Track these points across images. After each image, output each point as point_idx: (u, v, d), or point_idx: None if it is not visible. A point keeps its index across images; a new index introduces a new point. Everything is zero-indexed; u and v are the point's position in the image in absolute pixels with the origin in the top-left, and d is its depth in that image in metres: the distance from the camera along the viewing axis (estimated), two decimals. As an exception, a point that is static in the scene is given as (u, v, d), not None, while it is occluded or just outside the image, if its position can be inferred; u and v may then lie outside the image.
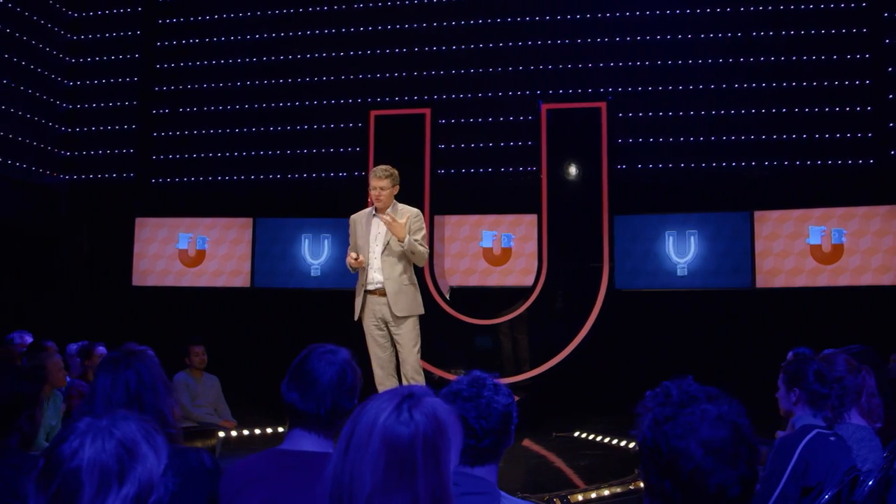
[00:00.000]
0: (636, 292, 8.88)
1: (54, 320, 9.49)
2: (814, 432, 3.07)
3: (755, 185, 8.92)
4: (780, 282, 8.52)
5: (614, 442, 6.35)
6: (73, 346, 6.88)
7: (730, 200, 8.78)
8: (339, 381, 2.33)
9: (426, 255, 5.91)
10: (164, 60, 10.78)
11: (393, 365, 5.92)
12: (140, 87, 10.77)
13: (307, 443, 2.31)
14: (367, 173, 8.93)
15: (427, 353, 8.62)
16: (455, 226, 9.45)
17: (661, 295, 8.87)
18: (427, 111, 9.05)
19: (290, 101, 10.31)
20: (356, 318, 5.92)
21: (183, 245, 10.12)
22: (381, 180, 5.71)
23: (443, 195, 9.11)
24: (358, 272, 5.89)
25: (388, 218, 5.59)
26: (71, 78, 10.92)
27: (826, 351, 4.34)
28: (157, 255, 10.16)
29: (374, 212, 5.85)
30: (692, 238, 8.78)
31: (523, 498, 4.02)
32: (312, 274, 9.81)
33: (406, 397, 1.44)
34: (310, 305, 9.53)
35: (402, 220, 5.65)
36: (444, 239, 9.40)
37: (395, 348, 5.89)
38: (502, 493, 2.20)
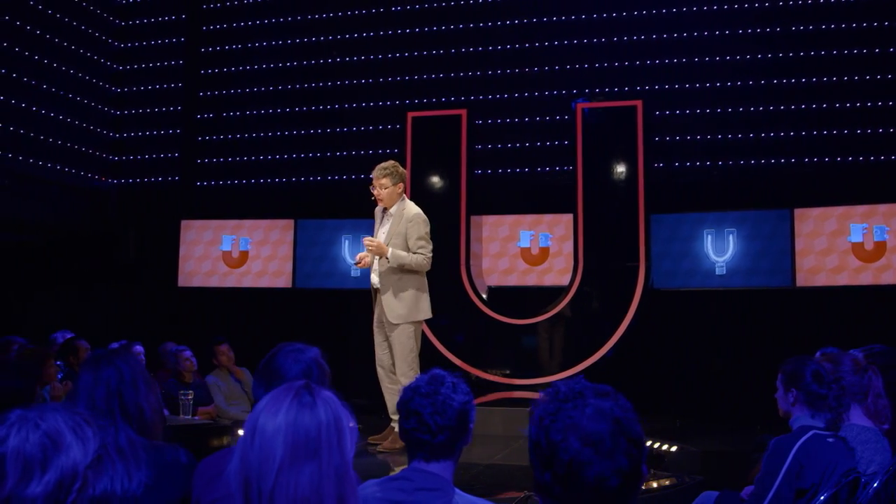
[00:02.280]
0: (674, 292, 8.81)
1: (103, 320, 9.78)
2: (810, 433, 3.05)
3: (795, 182, 8.77)
4: (820, 280, 8.37)
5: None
6: (114, 345, 7.09)
7: (769, 198, 8.65)
8: (304, 377, 2.41)
9: (422, 262, 5.83)
10: (208, 66, 11.02)
11: (390, 365, 5.99)
12: (185, 93, 11.03)
13: None
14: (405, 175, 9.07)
15: (464, 353, 8.71)
16: (493, 226, 9.48)
17: (700, 294, 8.79)
18: (463, 112, 9.08)
19: (329, 104, 10.46)
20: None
21: (226, 247, 10.33)
22: (380, 178, 5.73)
23: (480, 195, 9.15)
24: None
25: (368, 240, 5.63)
26: (119, 85, 11.23)
27: (851, 351, 4.30)
28: (202, 256, 10.38)
29: (383, 211, 5.90)
30: (731, 236, 8.68)
31: (501, 496, 4.04)
32: (352, 274, 9.93)
33: (304, 386, 1.53)
34: (349, 306, 9.67)
35: (401, 225, 5.69)
36: (483, 239, 9.43)
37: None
38: (456, 489, 2.25)
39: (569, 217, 8.88)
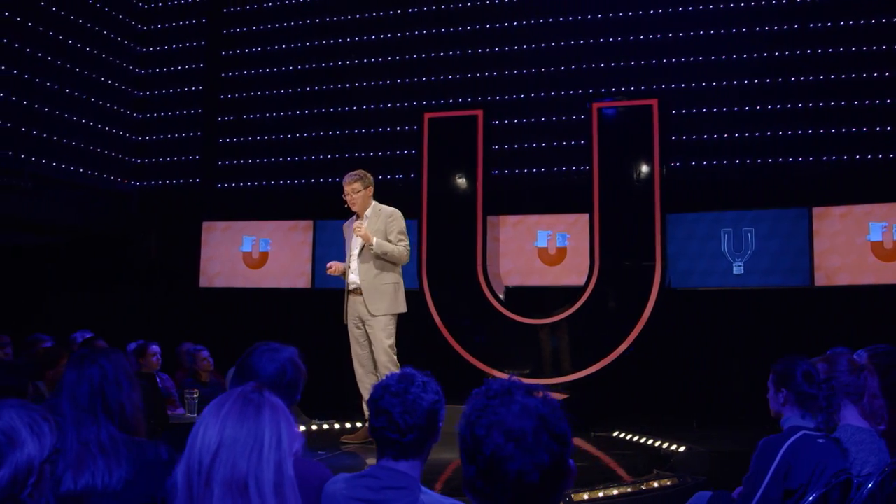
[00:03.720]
0: (691, 291, 8.77)
1: (124, 320, 9.92)
2: (799, 434, 3.03)
3: (813, 181, 8.69)
4: (839, 280, 8.28)
5: (649, 442, 6.30)
6: (132, 345, 7.19)
7: (787, 196, 8.57)
8: (278, 377, 2.46)
9: (404, 253, 6.10)
10: (228, 69, 11.14)
11: (372, 363, 6.18)
12: (205, 96, 11.16)
13: None
14: (422, 175, 9.11)
15: (481, 353, 8.73)
16: (512, 226, 9.48)
17: (717, 294, 8.73)
18: (479, 112, 9.10)
19: (347, 105, 10.54)
20: (344, 320, 6.18)
21: (247, 248, 10.42)
22: (351, 184, 6.01)
23: (496, 196, 9.17)
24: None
25: (357, 225, 5.82)
26: (140, 89, 11.38)
27: (859, 350, 4.27)
28: (223, 257, 10.48)
29: (356, 218, 6.09)
30: (748, 235, 8.62)
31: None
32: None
33: (252, 391, 1.58)
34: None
35: (380, 222, 5.88)
36: (501, 239, 9.44)
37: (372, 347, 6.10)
38: (423, 488, 2.26)
39: (587, 216, 8.87)
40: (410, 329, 9.25)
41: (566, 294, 8.80)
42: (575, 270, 9.10)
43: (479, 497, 1.49)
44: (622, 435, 6.65)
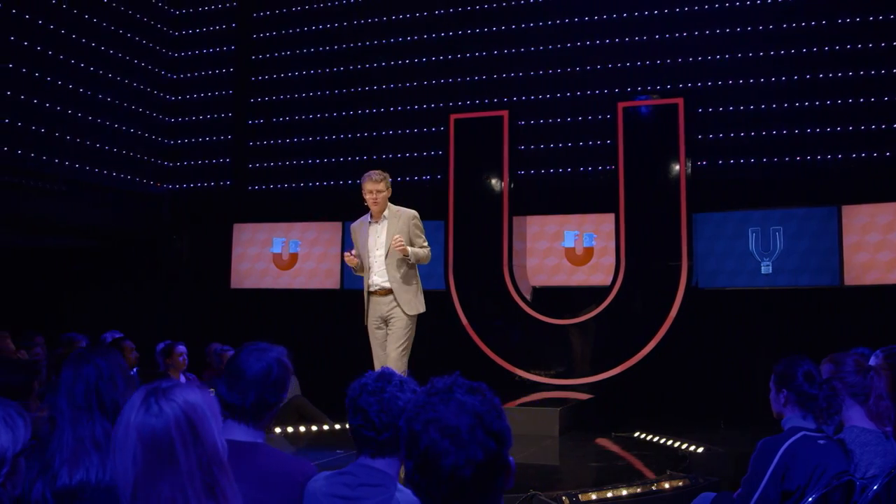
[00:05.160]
0: (719, 291, 8.69)
1: (156, 321, 10.08)
2: (799, 434, 3.00)
3: (842, 179, 8.56)
4: (869, 279, 8.14)
5: (668, 443, 6.27)
6: (160, 345, 7.32)
7: (816, 195, 8.45)
8: (264, 376, 2.50)
9: (429, 255, 6.06)
10: (258, 73, 11.27)
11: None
12: (235, 100, 11.30)
13: (238, 433, 2.49)
14: (448, 176, 9.14)
15: (506, 353, 8.74)
16: (539, 226, 9.47)
17: (745, 293, 8.64)
18: (505, 113, 9.14)
19: (374, 107, 10.61)
20: (365, 321, 6.09)
21: (277, 249, 10.54)
22: (377, 183, 5.89)
23: (524, 196, 9.17)
24: (363, 278, 6.10)
25: (399, 247, 5.74)
26: (172, 93, 11.57)
27: (876, 351, 4.21)
28: (254, 258, 10.61)
29: (370, 220, 6.03)
30: (776, 235, 8.52)
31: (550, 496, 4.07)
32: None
33: (151, 391, 1.59)
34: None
35: (402, 224, 5.84)
36: (528, 239, 9.44)
37: None
38: (399, 485, 2.29)
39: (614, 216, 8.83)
40: (436, 329, 9.34)
41: (593, 294, 8.78)
42: (602, 270, 9.07)
43: (417, 490, 1.53)
44: (643, 435, 6.62)
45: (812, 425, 3.10)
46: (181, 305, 10.78)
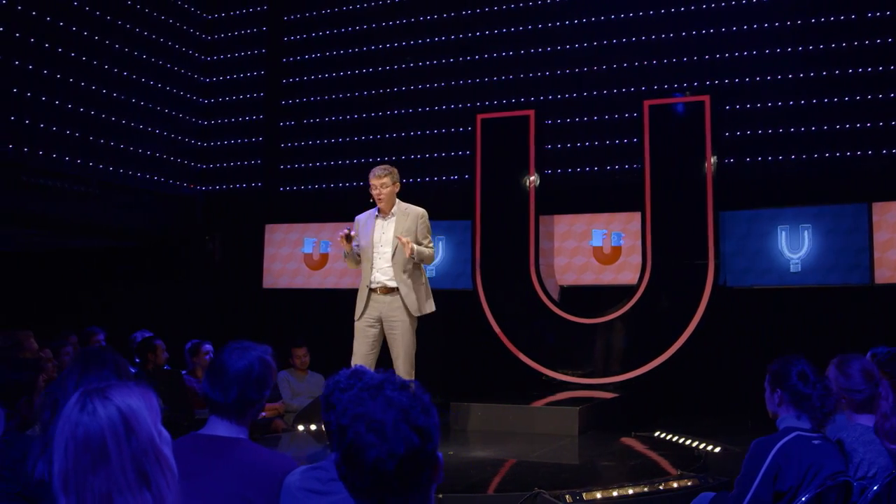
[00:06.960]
0: (748, 290, 8.60)
1: (189, 320, 10.26)
2: (793, 434, 2.98)
3: (873, 175, 8.42)
4: (901, 277, 8.02)
5: (686, 442, 6.23)
6: (188, 344, 7.47)
7: (846, 192, 8.32)
8: (246, 373, 2.56)
9: (434, 255, 6.06)
10: (290, 76, 11.40)
11: (373, 366, 5.87)
12: (267, 102, 11.45)
13: (221, 428, 2.56)
14: (475, 176, 9.18)
15: (535, 353, 8.75)
16: (567, 224, 9.46)
17: (774, 292, 8.55)
18: (531, 112, 9.14)
19: (402, 108, 10.68)
20: (357, 317, 5.97)
21: (308, 249, 10.67)
22: (381, 178, 5.89)
23: (551, 195, 9.17)
24: (362, 273, 6.03)
25: (408, 248, 5.71)
26: (205, 96, 11.75)
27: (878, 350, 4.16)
28: (286, 258, 10.75)
29: (376, 213, 6.01)
30: (806, 233, 8.42)
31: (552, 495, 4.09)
32: (427, 275, 10.07)
33: (88, 392, 1.64)
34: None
35: (409, 222, 5.83)
36: (556, 238, 9.44)
37: (379, 348, 5.93)
38: None
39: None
40: (464, 328, 9.38)
41: (620, 293, 8.76)
42: (630, 269, 9.03)
43: (345, 481, 1.59)
44: (663, 435, 6.59)
45: (807, 425, 3.08)
46: (214, 305, 10.96)
